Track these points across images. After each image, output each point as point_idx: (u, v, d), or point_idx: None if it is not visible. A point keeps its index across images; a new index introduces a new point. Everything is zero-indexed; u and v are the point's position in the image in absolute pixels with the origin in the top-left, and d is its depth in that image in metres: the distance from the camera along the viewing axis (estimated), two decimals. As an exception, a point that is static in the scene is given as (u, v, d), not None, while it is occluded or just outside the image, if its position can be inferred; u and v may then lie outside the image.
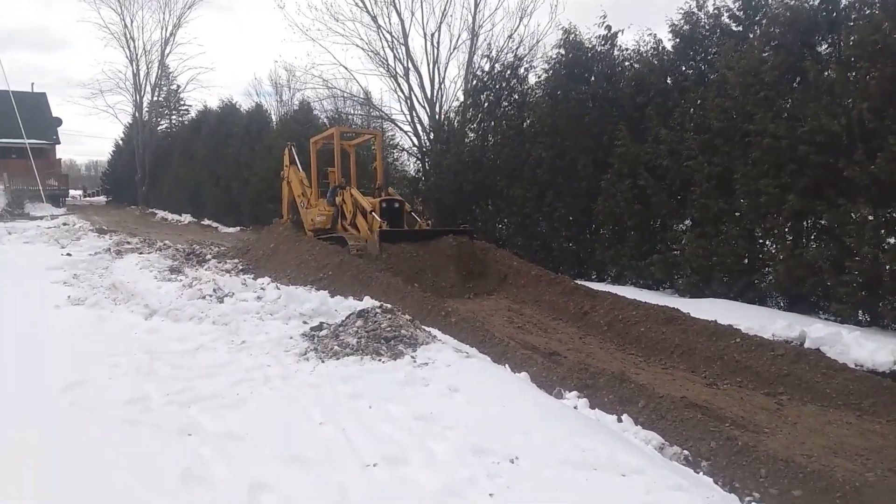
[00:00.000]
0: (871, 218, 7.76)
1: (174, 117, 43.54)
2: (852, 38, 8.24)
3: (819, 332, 6.67)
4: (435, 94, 20.27)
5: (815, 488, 3.79)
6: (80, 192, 58.81)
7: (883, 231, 7.86)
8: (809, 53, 8.98)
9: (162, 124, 43.23)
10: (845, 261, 8.05)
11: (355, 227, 11.95)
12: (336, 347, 5.54)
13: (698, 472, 4.05)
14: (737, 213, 9.74)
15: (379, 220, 11.06)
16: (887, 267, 7.63)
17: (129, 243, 14.03)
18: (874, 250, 7.73)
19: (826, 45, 9.16)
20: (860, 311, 8.19)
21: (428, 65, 20.34)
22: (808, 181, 8.53)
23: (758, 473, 4.00)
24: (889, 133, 7.52)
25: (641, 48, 12.37)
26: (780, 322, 7.23)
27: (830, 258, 8.26)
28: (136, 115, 40.79)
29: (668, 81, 11.54)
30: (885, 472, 4.11)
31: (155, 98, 41.24)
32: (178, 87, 42.76)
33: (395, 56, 20.52)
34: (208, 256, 12.18)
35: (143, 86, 40.28)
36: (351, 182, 13.05)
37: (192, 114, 39.21)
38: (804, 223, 9.08)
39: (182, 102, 43.33)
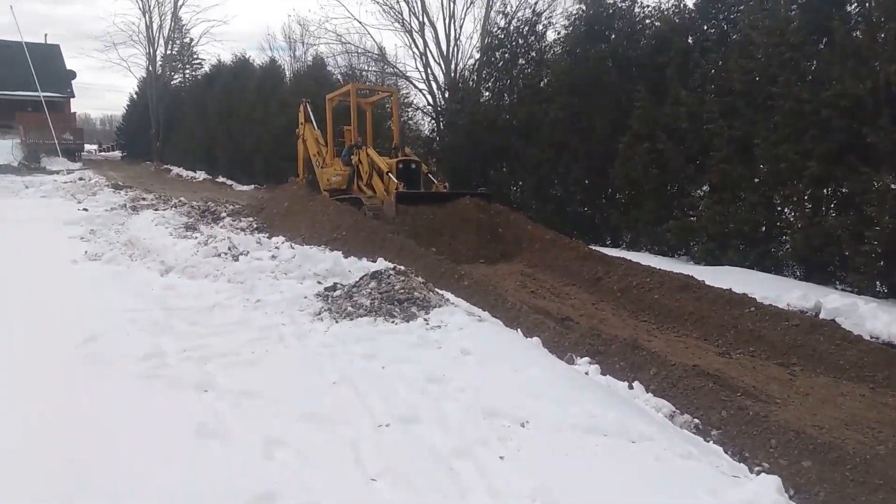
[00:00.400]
0: (893, 186, 7.60)
1: (188, 71, 43.17)
2: (882, -4, 7.95)
3: (835, 303, 6.62)
4: (450, 51, 19.96)
5: (825, 460, 3.80)
6: (95, 146, 58.83)
7: (905, 200, 7.70)
8: (837, 12, 8.67)
9: (175, 78, 42.92)
10: (865, 230, 7.92)
11: (371, 188, 11.79)
12: (349, 308, 5.56)
13: (708, 441, 4.07)
14: (756, 180, 9.58)
15: (395, 181, 10.95)
16: (908, 237, 7.51)
17: (144, 199, 14.12)
18: (895, 220, 7.60)
19: (855, 4, 8.79)
20: (878, 283, 8.09)
21: (444, 20, 19.96)
22: (830, 147, 8.32)
23: (768, 444, 4.02)
24: (917, 99, 7.33)
25: (663, 5, 12.13)
26: (795, 292, 7.19)
27: (849, 227, 8.13)
28: (150, 68, 40.56)
29: (690, 41, 11.24)
30: (896, 444, 4.12)
31: (168, 51, 40.93)
32: (192, 40, 42.35)
33: (409, 10, 20.16)
34: (223, 214, 12.23)
35: (156, 38, 39.98)
36: (367, 141, 12.86)
37: (206, 68, 38.98)
38: (824, 191, 8.92)
39: (195, 56, 42.93)
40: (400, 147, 12.64)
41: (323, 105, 13.85)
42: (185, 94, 38.51)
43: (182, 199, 14.78)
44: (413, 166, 11.62)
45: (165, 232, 9.41)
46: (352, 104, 12.84)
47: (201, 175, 29.85)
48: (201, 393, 3.82)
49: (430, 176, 12.13)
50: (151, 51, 40.08)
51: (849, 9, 8.82)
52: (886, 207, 7.61)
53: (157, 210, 12.23)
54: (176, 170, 32.86)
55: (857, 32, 8.37)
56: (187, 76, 42.77)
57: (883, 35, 7.92)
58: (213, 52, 49.31)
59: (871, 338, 6.01)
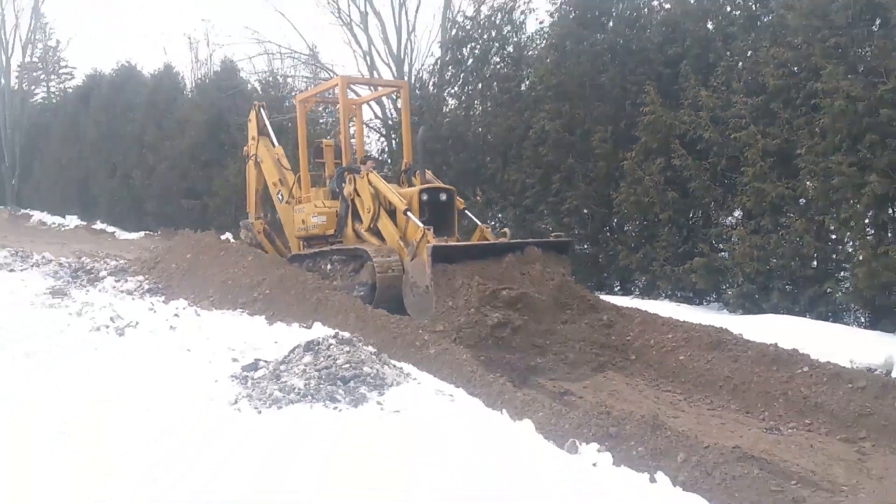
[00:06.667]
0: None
1: (53, 84, 43.07)
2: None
3: (912, 356, 6.80)
4: (402, 48, 20.36)
5: (908, 562, 3.86)
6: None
7: None
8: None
9: (37, 94, 42.74)
10: (945, 259, 8.16)
11: (377, 235, 10.37)
12: (277, 393, 5.50)
13: (756, 548, 4.09)
14: (802, 201, 9.85)
15: (420, 224, 9.36)
16: None
17: (-6, 258, 13.88)
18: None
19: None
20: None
21: (392, 8, 20.40)
22: (892, 156, 8.63)
23: (834, 546, 4.07)
24: None
25: (674, -17, 12.52)
26: (860, 344, 7.36)
27: (926, 256, 8.36)
28: (2, 81, 40.24)
29: (709, 27, 11.69)
30: None
31: (28, 59, 40.75)
32: (58, 43, 42.32)
33: (349, -4, 20.53)
34: (103, 273, 12.12)
35: (9, 42, 39.78)
36: (345, 159, 11.89)
37: (79, 79, 38.84)
38: (890, 211, 9.20)
39: (64, 64, 42.87)
40: (413, 170, 11.32)
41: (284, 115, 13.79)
42: (50, 115, 38.24)
43: (46, 254, 14.58)
44: (443, 197, 10.26)
45: (24, 299, 9.26)
46: (342, 107, 11.98)
47: (73, 221, 29.61)
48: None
49: (469, 213, 10.97)
50: (4, 58, 39.86)
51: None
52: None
53: (12, 271, 12.06)
54: (38, 215, 32.51)
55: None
56: (53, 91, 42.58)
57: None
58: (88, 58, 49.09)
59: (961, 399, 6.15)
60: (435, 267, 8.52)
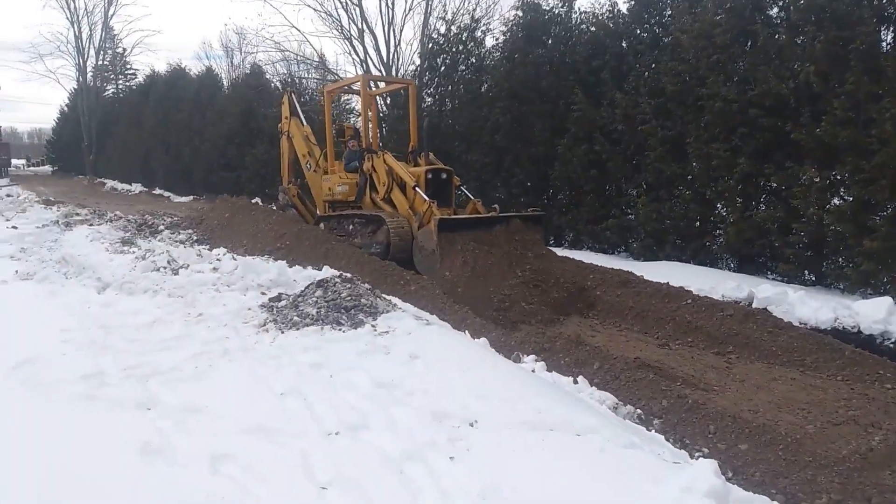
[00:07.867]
0: (816, 180, 8.05)
1: (121, 82, 41.99)
2: (800, 1, 8.40)
3: (766, 292, 6.95)
4: (391, 58, 20.00)
5: (759, 442, 4.00)
6: (23, 161, 56.62)
7: (828, 193, 8.16)
8: (760, 16, 9.14)
9: (108, 90, 41.68)
10: (792, 222, 8.34)
11: (390, 204, 9.84)
12: (296, 318, 5.47)
13: (650, 430, 4.21)
14: (689, 177, 9.96)
15: (426, 198, 8.87)
16: (831, 227, 7.93)
17: (78, 215, 13.64)
18: (819, 212, 8.03)
19: (777, 9, 9.31)
20: (806, 271, 8.53)
21: (383, 26, 20.02)
22: (757, 144, 8.76)
23: (707, 430, 4.19)
24: (833, 96, 7.76)
25: (597, 10, 12.49)
26: (729, 283, 7.50)
27: (778, 220, 8.55)
28: (80, 79, 39.26)
29: (623, 45, 11.64)
30: (823, 424, 4.35)
31: (100, 62, 39.68)
32: (124, 50, 41.23)
33: (349, 17, 20.14)
34: (161, 227, 11.91)
35: (86, 49, 38.72)
36: (364, 140, 11.02)
37: (140, 78, 38.04)
38: (754, 186, 9.34)
39: (129, 66, 41.80)
40: (418, 151, 10.54)
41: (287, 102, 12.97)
42: (118, 106, 37.51)
43: (118, 212, 14.33)
44: (444, 176, 9.60)
45: (101, 247, 9.11)
46: (362, 98, 11.38)
47: (137, 188, 29.17)
48: (144, 411, 3.71)
49: (465, 189, 10.26)
50: (82, 61, 38.82)
51: (771, 13, 9.31)
52: (811, 200, 8.04)
53: (91, 225, 11.83)
54: (110, 183, 31.95)
55: (779, 35, 8.82)
56: (121, 87, 41.64)
57: (802, 37, 8.37)
58: (147, 62, 48.37)
59: (801, 324, 6.35)
60: (440, 235, 8.07)
